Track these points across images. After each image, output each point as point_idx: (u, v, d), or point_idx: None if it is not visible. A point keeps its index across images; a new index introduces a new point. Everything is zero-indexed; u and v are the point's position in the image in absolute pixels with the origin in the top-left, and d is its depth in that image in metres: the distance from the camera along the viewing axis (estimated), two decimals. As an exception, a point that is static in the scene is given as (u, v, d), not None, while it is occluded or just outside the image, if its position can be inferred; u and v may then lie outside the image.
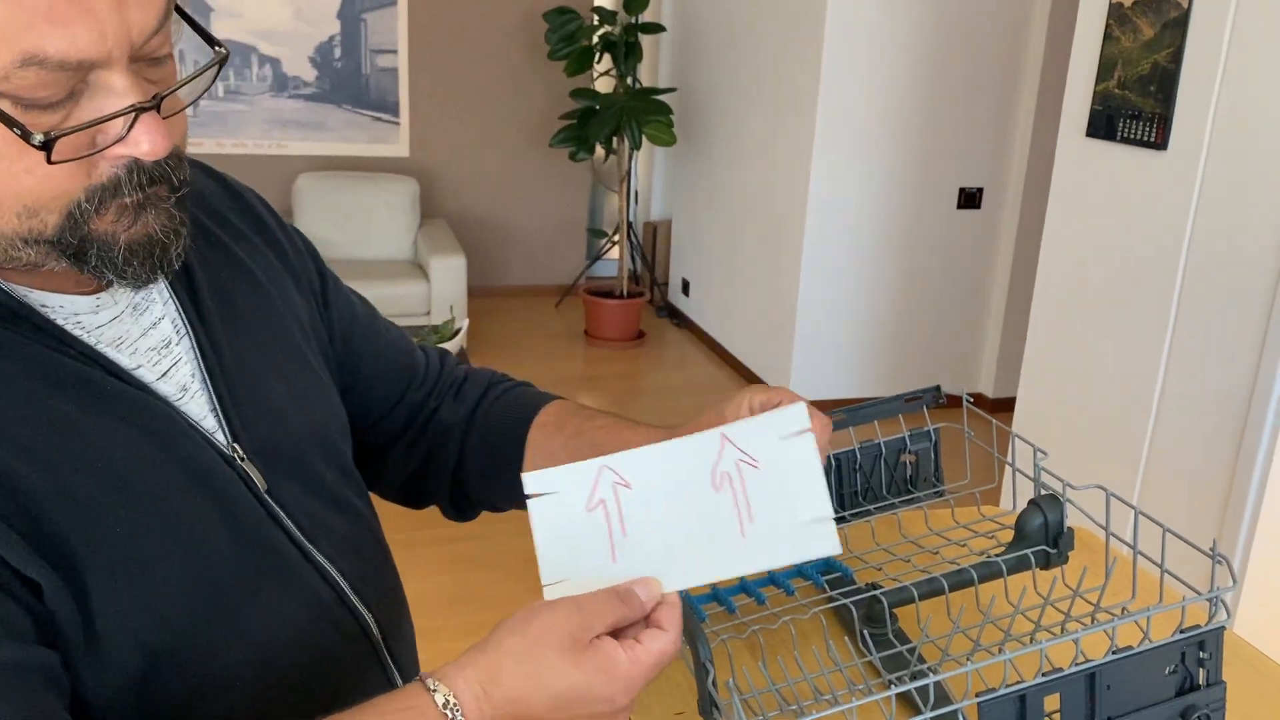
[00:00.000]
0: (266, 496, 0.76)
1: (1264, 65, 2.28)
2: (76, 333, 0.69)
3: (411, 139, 5.75)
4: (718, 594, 1.05)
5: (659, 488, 0.73)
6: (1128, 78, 2.65)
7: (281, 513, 0.76)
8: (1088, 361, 2.87)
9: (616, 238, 5.74)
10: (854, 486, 1.10)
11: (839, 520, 1.09)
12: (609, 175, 6.09)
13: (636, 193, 6.39)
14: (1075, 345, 2.92)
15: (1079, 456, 2.88)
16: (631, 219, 5.92)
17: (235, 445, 0.75)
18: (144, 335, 0.73)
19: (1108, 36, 2.72)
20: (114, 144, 0.62)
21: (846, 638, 1.01)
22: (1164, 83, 2.52)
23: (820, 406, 0.80)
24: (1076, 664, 0.74)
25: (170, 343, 0.74)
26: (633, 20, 5.18)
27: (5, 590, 0.59)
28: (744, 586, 1.05)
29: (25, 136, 0.58)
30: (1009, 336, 4.59)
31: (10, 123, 0.58)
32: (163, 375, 0.73)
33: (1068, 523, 0.96)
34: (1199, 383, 2.49)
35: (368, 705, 0.63)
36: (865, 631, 0.94)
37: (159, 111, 0.63)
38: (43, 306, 0.68)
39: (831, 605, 1.04)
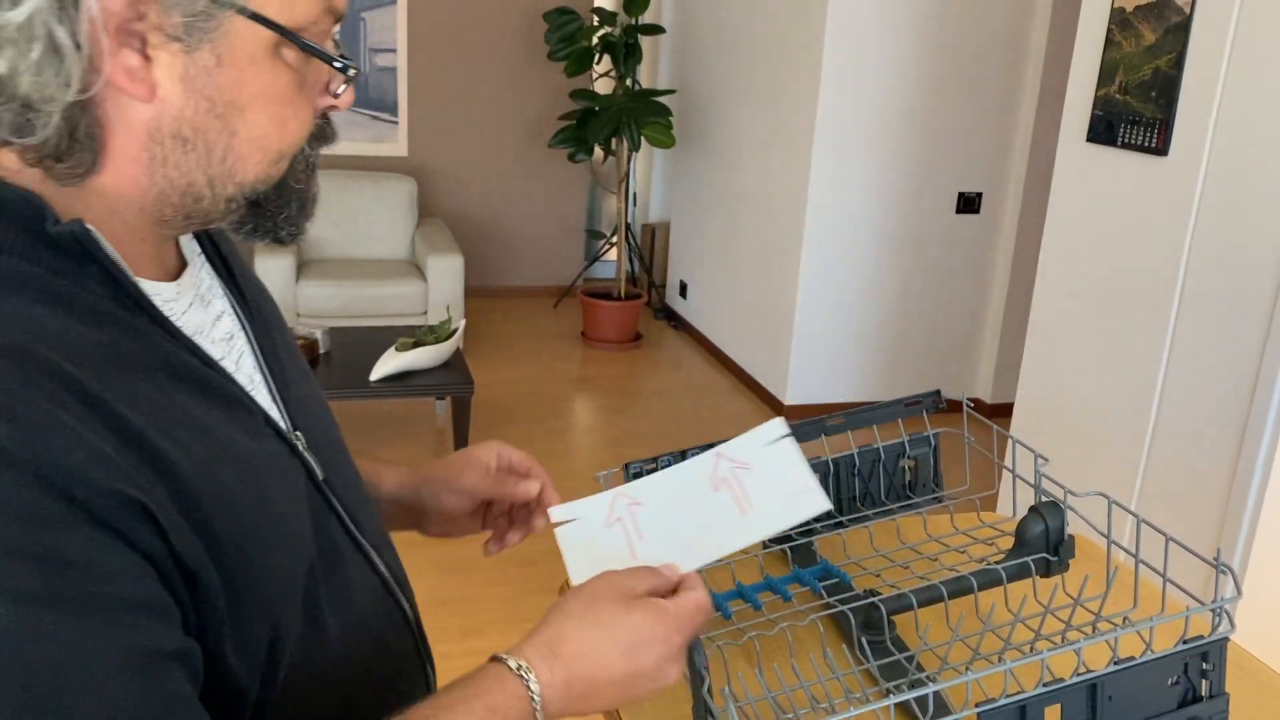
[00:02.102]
0: (325, 486, 0.76)
1: (1266, 71, 2.27)
2: (177, 322, 0.68)
3: (410, 138, 5.74)
4: (715, 600, 1.03)
5: (666, 500, 0.86)
6: (1129, 83, 2.64)
7: (337, 502, 0.77)
8: (1087, 367, 2.86)
9: (615, 239, 5.73)
10: (852, 492, 1.09)
11: (837, 526, 1.08)
12: (608, 176, 6.08)
13: (635, 194, 6.39)
14: (1074, 351, 2.91)
15: (1077, 462, 2.87)
16: (630, 221, 5.91)
17: (297, 435, 0.75)
18: (214, 326, 0.73)
19: (1109, 41, 2.71)
20: (343, 93, 0.67)
21: (844, 645, 1.00)
22: (1165, 88, 2.52)
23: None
24: (1078, 674, 0.73)
25: (233, 335, 0.74)
26: (633, 21, 5.17)
27: (165, 580, 0.58)
28: (740, 592, 1.04)
29: (345, 69, 0.65)
30: (1007, 341, 4.59)
31: (328, 58, 0.64)
32: (235, 366, 0.73)
33: (1068, 530, 0.95)
34: (1199, 389, 2.48)
35: (443, 693, 0.67)
36: (863, 639, 0.93)
37: None
38: (153, 294, 0.66)
39: (829, 612, 1.03)
